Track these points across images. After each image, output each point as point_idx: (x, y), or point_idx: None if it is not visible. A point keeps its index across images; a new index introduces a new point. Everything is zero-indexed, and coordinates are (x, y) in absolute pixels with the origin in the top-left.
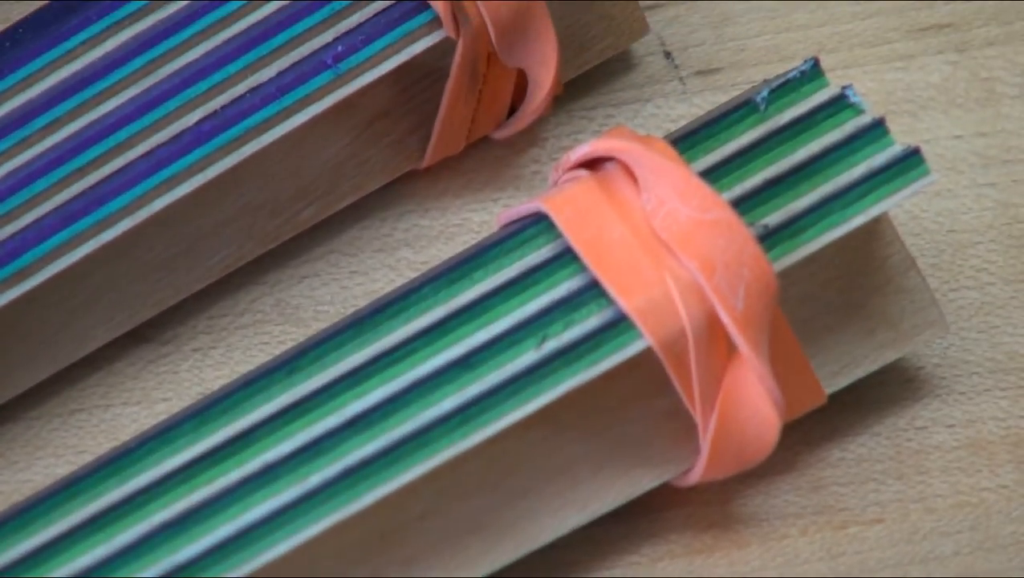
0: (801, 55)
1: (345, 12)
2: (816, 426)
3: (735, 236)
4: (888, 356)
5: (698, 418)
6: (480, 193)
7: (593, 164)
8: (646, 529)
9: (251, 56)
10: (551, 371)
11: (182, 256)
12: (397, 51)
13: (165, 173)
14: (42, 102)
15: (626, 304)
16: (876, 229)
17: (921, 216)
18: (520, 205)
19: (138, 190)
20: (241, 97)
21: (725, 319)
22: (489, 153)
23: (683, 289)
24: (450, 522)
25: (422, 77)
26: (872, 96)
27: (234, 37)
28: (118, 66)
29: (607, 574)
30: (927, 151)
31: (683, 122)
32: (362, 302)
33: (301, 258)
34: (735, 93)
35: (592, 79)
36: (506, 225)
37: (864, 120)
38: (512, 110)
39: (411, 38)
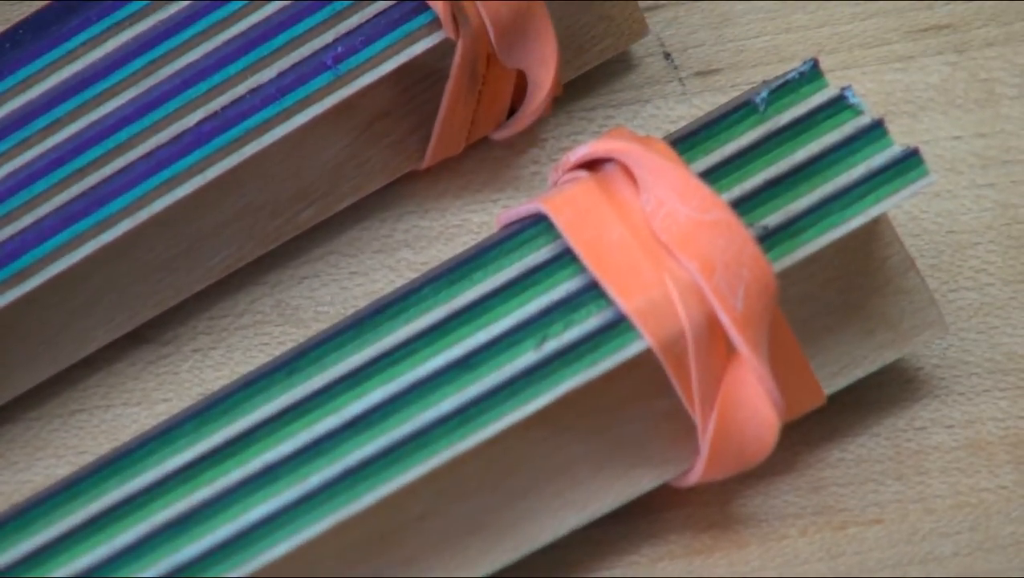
0: (800, 56)
1: (345, 13)
2: (815, 427)
3: (735, 237)
4: (887, 357)
5: (697, 419)
6: (480, 194)
7: (593, 165)
8: (646, 529)
9: (251, 57)
10: (551, 372)
11: (182, 257)
12: (397, 52)
13: (165, 174)
14: (42, 103)
15: (626, 305)
16: (875, 230)
17: (920, 217)
18: (520, 206)
19: (138, 191)
20: (241, 98)
21: (724, 320)
22: (489, 154)
23: (683, 290)
24: (450, 522)
25: (422, 78)
26: (871, 97)
27: (234, 38)
28: (118, 67)
29: (607, 574)
30: (926, 152)
31: (683, 123)
32: (362, 303)
33: (301, 259)
34: (735, 94)
35: (592, 80)
36: (506, 226)
37: (863, 121)
38: (512, 111)
39: (411, 39)
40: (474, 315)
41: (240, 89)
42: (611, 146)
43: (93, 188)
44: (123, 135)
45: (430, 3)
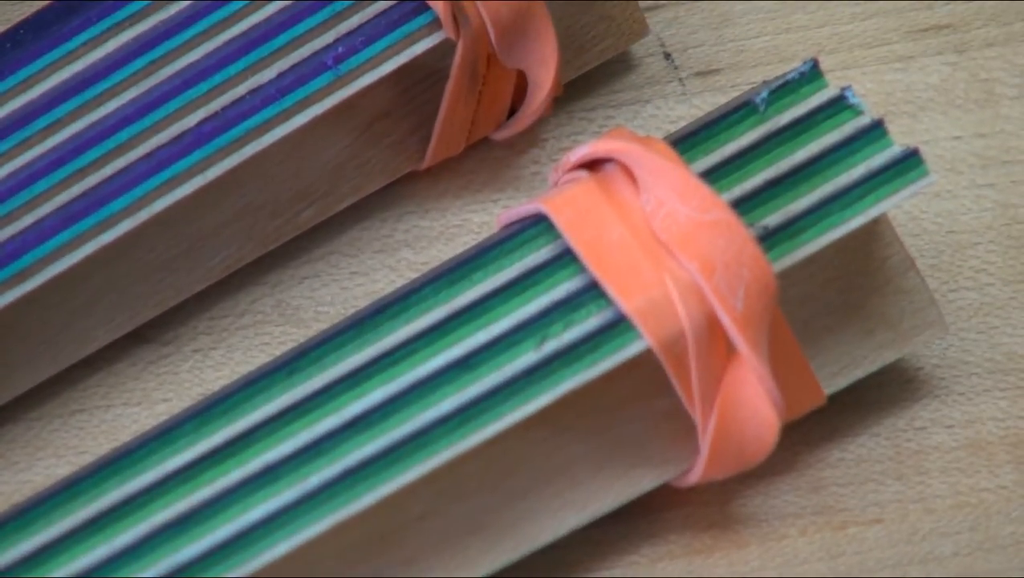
0: (800, 56)
1: (345, 13)
2: (815, 427)
3: (735, 237)
4: (887, 357)
5: (697, 419)
6: (480, 194)
7: (593, 165)
8: (645, 529)
9: (252, 57)
10: (551, 372)
11: (183, 257)
12: (397, 52)
13: (166, 174)
14: (43, 103)
15: (626, 305)
16: (875, 230)
17: (920, 217)
18: (520, 206)
19: (139, 191)
20: (241, 98)
21: (725, 320)
22: (489, 154)
23: (683, 290)
24: (450, 523)
25: (422, 78)
26: (871, 97)
27: (235, 38)
28: (119, 67)
29: (607, 574)
30: (926, 152)
31: (683, 123)
32: (362, 303)
33: (301, 259)
34: (735, 94)
35: (592, 80)
36: (506, 226)
37: (863, 121)
38: (512, 111)
39: (411, 39)
40: (474, 315)
41: (240, 89)
42: (611, 146)
43: (93, 188)
44: (123, 135)
45: (430, 3)
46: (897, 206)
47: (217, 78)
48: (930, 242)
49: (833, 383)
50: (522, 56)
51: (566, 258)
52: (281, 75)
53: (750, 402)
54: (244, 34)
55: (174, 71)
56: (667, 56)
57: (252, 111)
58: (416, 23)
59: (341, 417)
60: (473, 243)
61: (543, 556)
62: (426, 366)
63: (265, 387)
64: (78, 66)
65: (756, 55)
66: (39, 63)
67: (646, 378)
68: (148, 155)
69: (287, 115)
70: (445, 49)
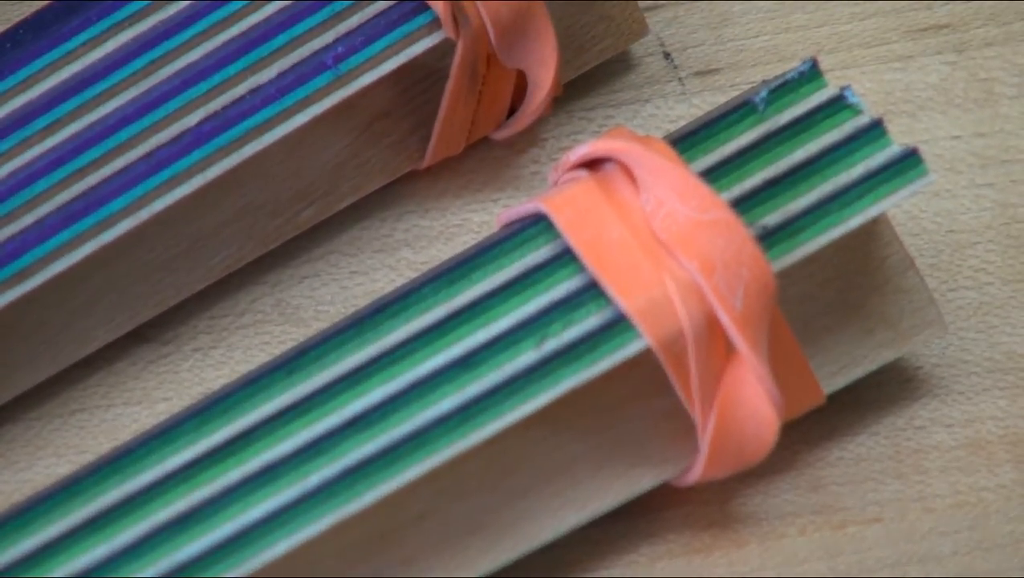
0: (800, 56)
1: (345, 13)
2: (815, 426)
3: (734, 236)
4: (887, 356)
5: (697, 418)
6: (480, 193)
7: (592, 165)
8: (645, 528)
9: (251, 57)
10: (550, 371)
11: (183, 256)
12: (397, 52)
13: (166, 174)
14: (43, 103)
15: (625, 304)
16: (875, 229)
17: (920, 216)
18: (520, 205)
19: (139, 191)
20: (241, 98)
21: (724, 319)
22: (489, 153)
23: (682, 289)
24: (450, 522)
25: (422, 78)
26: (870, 97)
27: (234, 38)
28: (119, 67)
29: (606, 574)
30: (925, 151)
31: (682, 123)
32: (362, 302)
33: (301, 258)
34: (734, 94)
35: (592, 80)
36: (506, 225)
37: (862, 120)
38: (512, 111)
39: (411, 39)
40: (474, 315)
41: (240, 89)
42: (611, 146)
43: (93, 188)
44: (123, 135)
45: (430, 3)
46: (896, 205)
47: (217, 78)
48: (929, 241)
49: (832, 382)
50: (522, 56)
51: (566, 257)
52: (281, 75)
53: (749, 401)
54: (244, 34)
55: (174, 71)
56: (667, 56)
57: (252, 111)
58: (416, 23)
59: (341, 416)
60: (473, 242)
61: (542, 555)
62: (426, 365)
63: (265, 386)
64: (78, 66)
65: (755, 55)
66: (39, 63)
67: (645, 377)
68: (148, 155)
69: (287, 115)
70: (445, 49)
